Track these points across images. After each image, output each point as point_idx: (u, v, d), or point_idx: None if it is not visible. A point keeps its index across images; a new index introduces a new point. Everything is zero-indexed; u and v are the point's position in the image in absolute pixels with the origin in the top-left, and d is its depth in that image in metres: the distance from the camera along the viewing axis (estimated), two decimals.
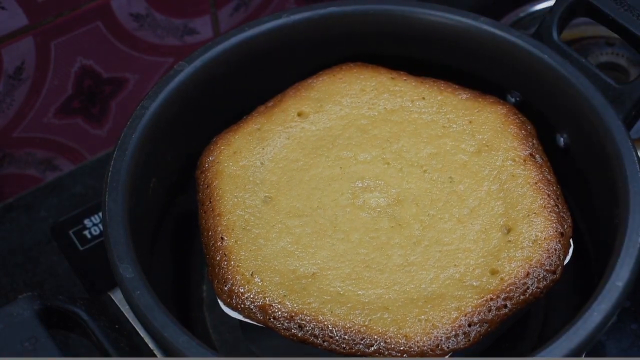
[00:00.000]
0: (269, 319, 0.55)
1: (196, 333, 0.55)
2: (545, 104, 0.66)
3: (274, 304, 0.55)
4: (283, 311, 0.55)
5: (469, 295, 0.55)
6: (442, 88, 0.66)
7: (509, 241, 0.58)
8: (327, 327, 0.54)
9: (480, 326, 0.55)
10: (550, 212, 0.59)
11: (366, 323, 0.54)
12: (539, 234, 0.58)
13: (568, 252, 0.58)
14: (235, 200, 0.60)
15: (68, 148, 0.85)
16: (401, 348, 0.54)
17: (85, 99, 0.82)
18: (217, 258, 0.58)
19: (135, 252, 0.56)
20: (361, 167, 0.62)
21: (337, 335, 0.54)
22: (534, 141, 0.63)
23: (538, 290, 0.56)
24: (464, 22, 0.67)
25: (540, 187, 0.60)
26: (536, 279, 0.56)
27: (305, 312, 0.55)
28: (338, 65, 0.68)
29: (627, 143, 0.60)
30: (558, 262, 0.57)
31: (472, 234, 0.59)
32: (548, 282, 0.57)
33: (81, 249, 0.77)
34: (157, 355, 0.57)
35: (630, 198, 0.57)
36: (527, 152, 0.62)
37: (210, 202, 0.61)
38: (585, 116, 0.62)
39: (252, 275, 0.57)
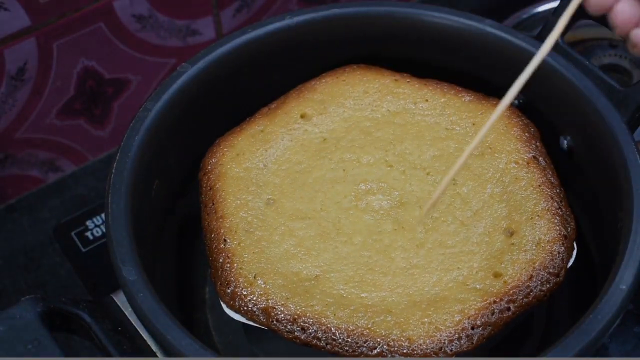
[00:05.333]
0: (272, 321, 0.55)
1: (198, 335, 0.55)
2: (549, 106, 0.66)
3: (276, 307, 0.55)
4: (286, 314, 0.55)
5: (472, 298, 0.55)
6: (445, 90, 0.66)
7: (512, 244, 0.58)
8: (330, 330, 0.54)
9: (483, 329, 0.55)
10: (553, 214, 0.59)
11: (369, 326, 0.54)
12: (543, 236, 0.58)
13: (572, 255, 0.58)
14: (238, 202, 0.60)
15: (70, 149, 0.85)
16: (404, 351, 0.54)
17: (87, 100, 0.82)
18: (220, 260, 0.58)
19: (138, 254, 0.56)
20: (364, 170, 0.62)
21: (340, 338, 0.54)
22: (538, 143, 0.63)
23: (541, 293, 0.56)
24: (467, 24, 0.67)
25: (543, 189, 0.60)
26: (539, 282, 0.56)
27: (308, 314, 0.55)
28: (341, 67, 0.68)
29: (631, 145, 0.59)
30: (561, 265, 0.57)
31: (475, 237, 0.59)
32: (551, 284, 0.56)
33: (83, 250, 0.77)
34: (159, 357, 0.57)
35: (634, 201, 0.57)
36: (531, 154, 0.62)
37: (213, 204, 0.60)
38: (589, 118, 0.62)
39: (255, 277, 0.57)
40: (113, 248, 0.55)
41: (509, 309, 0.55)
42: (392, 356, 0.53)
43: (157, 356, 0.56)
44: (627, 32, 0.48)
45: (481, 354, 0.58)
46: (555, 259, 0.57)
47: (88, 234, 0.78)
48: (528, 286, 0.56)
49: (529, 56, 0.65)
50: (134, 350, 0.56)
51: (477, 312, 0.55)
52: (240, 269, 0.57)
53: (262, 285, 0.56)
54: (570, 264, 0.58)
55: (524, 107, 0.67)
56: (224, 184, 0.61)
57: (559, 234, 0.58)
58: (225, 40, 0.66)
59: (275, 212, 0.60)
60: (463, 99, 0.66)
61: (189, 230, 0.68)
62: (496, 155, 0.62)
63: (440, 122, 0.65)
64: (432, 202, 0.53)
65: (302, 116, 0.65)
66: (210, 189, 0.61)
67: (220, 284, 0.57)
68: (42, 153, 0.83)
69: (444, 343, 0.54)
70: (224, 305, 0.57)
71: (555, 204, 0.59)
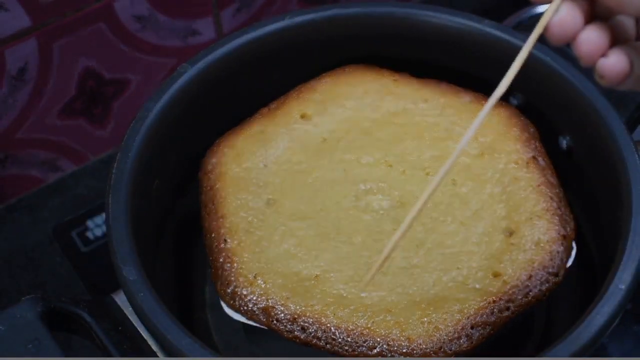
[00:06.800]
0: (272, 321, 0.55)
1: (199, 335, 0.55)
2: (548, 106, 0.66)
3: (276, 306, 0.55)
4: (286, 313, 0.55)
5: (472, 297, 0.55)
6: (445, 90, 0.66)
7: (512, 244, 0.58)
8: (330, 330, 0.54)
9: (482, 329, 0.55)
10: (552, 214, 0.59)
11: (369, 325, 0.54)
12: (542, 236, 0.58)
13: (571, 255, 0.58)
14: (239, 202, 0.60)
15: (70, 149, 0.85)
16: (404, 350, 0.54)
17: (87, 100, 0.82)
18: (220, 260, 0.58)
19: (138, 254, 0.56)
20: (364, 170, 0.62)
21: (340, 338, 0.54)
22: (537, 144, 0.63)
23: (540, 292, 0.56)
24: (467, 24, 0.67)
25: (542, 189, 0.60)
26: (539, 282, 0.56)
27: (308, 314, 0.55)
28: (341, 68, 0.68)
29: (630, 145, 0.60)
30: (561, 265, 0.57)
31: (475, 237, 0.59)
32: (551, 284, 0.57)
33: (83, 250, 0.77)
34: (160, 357, 0.57)
35: (633, 201, 0.57)
36: (530, 154, 0.62)
37: (213, 204, 0.61)
38: (588, 118, 0.62)
39: (255, 277, 0.57)
40: (113, 248, 0.55)
41: (508, 308, 0.55)
42: (392, 356, 0.54)
43: (157, 356, 0.56)
44: (593, 63, 0.45)
45: (481, 354, 0.58)
46: (555, 258, 0.57)
47: (88, 233, 0.78)
48: (527, 286, 0.56)
49: (529, 56, 0.65)
50: (134, 350, 0.56)
51: (476, 311, 0.55)
52: (240, 268, 0.57)
53: (262, 285, 0.56)
54: (569, 263, 0.58)
55: (523, 107, 0.67)
56: (224, 184, 0.61)
57: (558, 233, 0.58)
58: (225, 40, 0.66)
59: (276, 212, 0.60)
60: (462, 99, 0.66)
61: (189, 230, 0.68)
62: (496, 155, 0.62)
63: (440, 122, 0.65)
64: (378, 265, 0.48)
65: (302, 116, 0.65)
66: (211, 188, 0.62)
67: (220, 284, 0.57)
68: (42, 153, 0.83)
69: (444, 342, 0.54)
70: (224, 305, 0.57)
71: (554, 204, 0.59)
